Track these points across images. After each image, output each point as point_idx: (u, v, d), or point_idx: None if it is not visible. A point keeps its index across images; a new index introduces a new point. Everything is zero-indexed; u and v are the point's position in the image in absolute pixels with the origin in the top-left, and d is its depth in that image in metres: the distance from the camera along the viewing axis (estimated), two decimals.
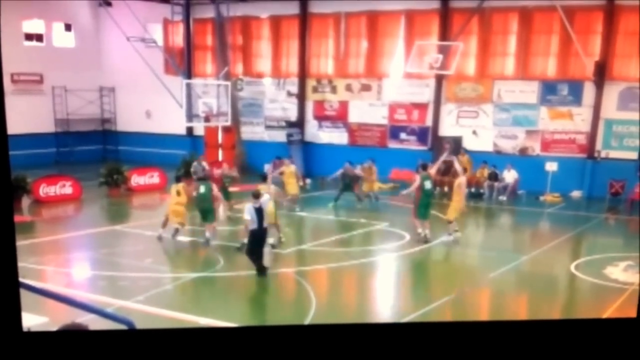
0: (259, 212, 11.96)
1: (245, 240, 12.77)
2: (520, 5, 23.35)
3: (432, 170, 16.34)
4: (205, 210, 15.00)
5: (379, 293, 12.63)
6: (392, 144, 26.25)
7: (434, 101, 25.32)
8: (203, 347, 2.83)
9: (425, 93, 25.53)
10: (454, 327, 3.00)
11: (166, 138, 29.72)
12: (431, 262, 14.82)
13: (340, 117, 27.27)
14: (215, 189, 15.26)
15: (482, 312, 11.55)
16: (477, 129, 24.66)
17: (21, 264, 2.87)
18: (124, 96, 31.61)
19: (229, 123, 25.22)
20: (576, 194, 22.78)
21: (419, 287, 13.17)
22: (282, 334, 2.89)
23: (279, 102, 28.35)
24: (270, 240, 14.20)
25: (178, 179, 15.86)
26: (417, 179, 15.39)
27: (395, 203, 20.07)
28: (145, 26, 27.49)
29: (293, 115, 27.98)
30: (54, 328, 3.87)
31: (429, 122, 25.54)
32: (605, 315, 10.10)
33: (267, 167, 15.81)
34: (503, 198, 21.82)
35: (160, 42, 29.11)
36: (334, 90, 27.26)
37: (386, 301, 11.99)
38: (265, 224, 12.35)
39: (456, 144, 23.83)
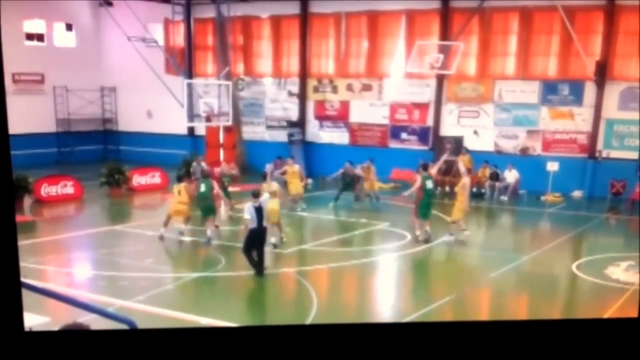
0: (259, 211, 12.00)
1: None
2: (520, 5, 23.34)
3: (433, 170, 16.35)
4: (205, 207, 15.13)
5: (380, 293, 12.63)
6: (393, 144, 26.25)
7: (435, 101, 25.32)
8: (204, 347, 2.84)
9: (426, 93, 25.53)
10: (455, 327, 3.00)
11: (167, 138, 29.73)
12: (432, 262, 14.81)
13: (341, 117, 27.27)
14: (216, 187, 15.39)
15: (483, 312, 11.55)
16: (478, 129, 24.66)
17: (23, 264, 2.88)
18: (125, 96, 31.63)
19: (230, 123, 25.22)
20: (577, 193, 22.77)
21: (420, 287, 13.16)
22: (283, 333, 2.89)
23: (279, 102, 28.36)
24: (272, 239, 14.26)
25: (179, 179, 15.94)
26: (418, 179, 15.38)
27: (396, 203, 20.06)
28: (146, 26, 27.50)
29: (294, 115, 27.99)
30: (56, 328, 3.87)
31: (429, 122, 25.54)
32: (606, 315, 10.10)
33: (268, 167, 15.78)
34: (504, 198, 21.82)
35: (161, 42, 29.13)
36: (334, 90, 27.27)
37: (387, 301, 11.99)
38: (265, 223, 12.37)
39: (457, 144, 23.84)
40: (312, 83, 27.71)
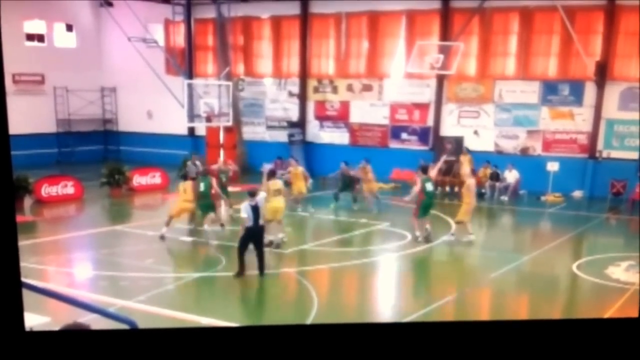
0: (255, 210, 12.06)
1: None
2: (521, 5, 23.34)
3: (433, 172, 16.36)
4: (205, 205, 15.40)
5: (380, 293, 12.64)
6: (393, 144, 26.26)
7: (435, 101, 25.32)
8: (205, 347, 2.84)
9: (426, 93, 25.53)
10: (455, 327, 3.00)
11: (167, 138, 29.73)
12: (432, 262, 14.81)
13: (341, 117, 27.27)
14: (214, 186, 15.58)
15: (484, 312, 11.54)
16: (478, 129, 24.66)
17: (23, 264, 2.88)
18: (125, 96, 31.63)
19: (230, 123, 25.23)
20: (577, 194, 22.77)
21: (420, 287, 13.18)
22: (284, 333, 2.90)
23: (280, 102, 28.36)
24: (272, 237, 14.30)
25: (185, 177, 16.12)
26: (418, 182, 15.41)
27: (396, 203, 20.05)
28: (147, 26, 27.51)
29: (294, 116, 28.00)
30: (56, 328, 3.88)
31: (430, 122, 25.54)
32: (606, 315, 10.10)
33: (266, 166, 15.71)
34: (504, 198, 21.82)
35: (162, 42, 29.15)
36: (335, 90, 27.27)
37: (387, 301, 12.00)
38: (262, 222, 12.49)
39: (457, 144, 23.86)
40: (312, 83, 27.71)
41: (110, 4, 29.02)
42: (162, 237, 15.07)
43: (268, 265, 12.58)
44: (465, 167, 17.22)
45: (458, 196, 21.70)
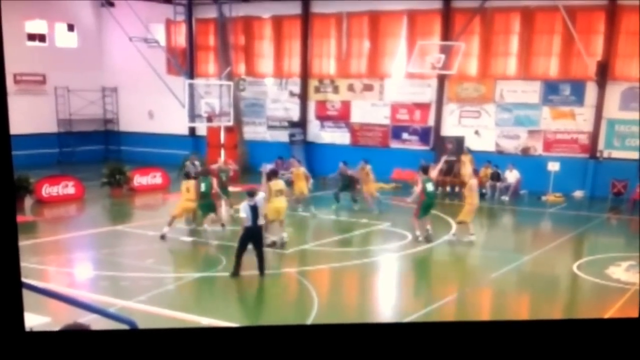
0: (254, 210, 12.08)
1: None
2: (522, 5, 23.34)
3: (434, 172, 16.36)
4: (206, 205, 15.44)
5: (381, 293, 12.64)
6: (394, 144, 26.25)
7: (436, 101, 25.32)
8: (205, 347, 2.84)
9: (427, 93, 25.53)
10: (456, 327, 3.00)
11: (168, 138, 29.74)
12: (433, 262, 14.81)
13: (342, 117, 27.28)
14: (215, 186, 15.65)
15: (484, 312, 11.54)
16: (479, 129, 24.65)
17: (23, 264, 2.88)
18: (127, 96, 31.65)
19: (231, 123, 25.22)
20: (578, 193, 22.75)
21: (421, 287, 13.18)
22: (284, 334, 2.90)
23: (281, 102, 28.37)
24: (274, 237, 14.31)
25: (187, 175, 16.15)
26: (419, 183, 15.43)
27: (397, 203, 20.04)
28: (148, 26, 27.52)
29: (295, 115, 28.00)
30: (56, 328, 3.88)
31: (431, 122, 25.54)
32: (607, 316, 10.10)
33: (265, 167, 15.65)
34: (505, 198, 21.81)
35: (163, 42, 29.16)
36: (336, 90, 27.27)
37: (388, 301, 12.00)
38: (262, 222, 12.53)
39: (458, 144, 23.84)
40: (313, 83, 27.71)
41: (111, 4, 29.02)
42: (163, 237, 15.07)
43: (268, 265, 12.58)
44: (467, 167, 17.22)
45: (459, 196, 21.73)
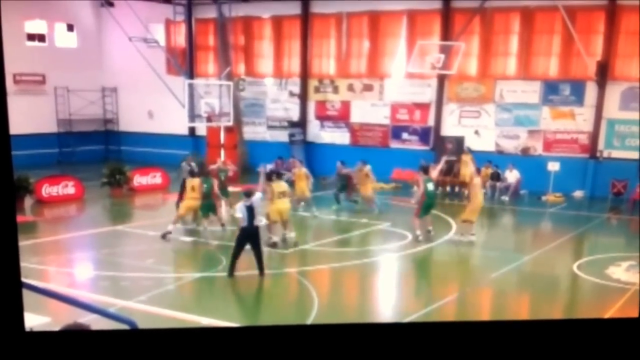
0: (250, 210, 12.07)
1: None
2: (522, 5, 23.34)
3: (434, 172, 16.35)
4: (206, 206, 15.51)
5: (381, 293, 12.64)
6: (394, 144, 26.25)
7: (436, 101, 25.32)
8: (205, 347, 2.84)
9: (427, 93, 25.53)
10: (456, 327, 3.00)
11: (168, 138, 29.74)
12: (433, 262, 14.81)
13: (342, 117, 27.28)
14: (215, 186, 15.75)
15: (484, 312, 11.54)
16: (479, 129, 24.65)
17: (23, 264, 2.88)
18: (126, 96, 31.65)
19: (231, 123, 25.23)
20: (578, 193, 22.75)
21: (421, 287, 13.18)
22: (284, 334, 2.90)
23: (281, 102, 28.37)
24: (276, 238, 14.31)
25: (192, 174, 16.19)
26: (421, 184, 15.44)
27: (397, 203, 20.05)
28: (147, 26, 27.53)
29: (295, 116, 28.00)
30: (56, 328, 3.88)
31: (431, 122, 25.54)
32: (607, 316, 10.10)
33: (264, 167, 15.64)
34: (505, 198, 21.81)
35: (162, 42, 29.15)
36: (335, 90, 27.27)
37: (388, 301, 12.00)
38: (262, 222, 12.65)
39: (458, 144, 23.83)
40: (313, 83, 27.71)
41: (111, 4, 29.01)
42: (164, 236, 15.05)
43: (268, 265, 12.58)
44: (470, 166, 17.20)
45: (459, 196, 21.77)
